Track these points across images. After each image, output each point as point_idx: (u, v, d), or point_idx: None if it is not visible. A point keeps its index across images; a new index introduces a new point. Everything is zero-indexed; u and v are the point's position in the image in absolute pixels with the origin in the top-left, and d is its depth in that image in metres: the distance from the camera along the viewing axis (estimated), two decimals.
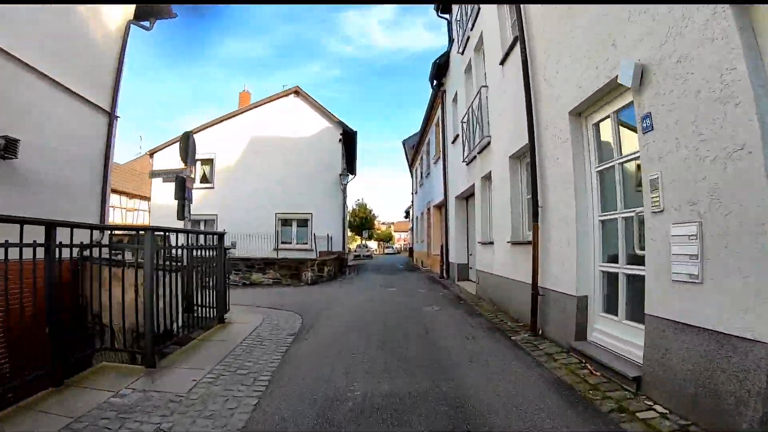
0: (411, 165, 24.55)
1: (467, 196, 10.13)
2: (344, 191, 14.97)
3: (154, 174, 8.19)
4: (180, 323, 5.35)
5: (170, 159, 17.17)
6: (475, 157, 8.30)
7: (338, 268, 13.99)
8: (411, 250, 33.52)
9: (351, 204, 41.42)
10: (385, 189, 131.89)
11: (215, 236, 5.85)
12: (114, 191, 29.78)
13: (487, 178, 7.66)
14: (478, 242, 7.80)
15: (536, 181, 4.94)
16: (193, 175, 7.50)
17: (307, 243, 15.36)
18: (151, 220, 18.07)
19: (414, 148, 22.36)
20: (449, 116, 11.55)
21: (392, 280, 11.78)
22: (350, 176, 23.77)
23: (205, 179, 17.19)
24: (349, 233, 47.24)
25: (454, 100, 11.04)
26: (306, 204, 15.47)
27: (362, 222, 40.42)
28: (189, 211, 7.51)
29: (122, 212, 28.96)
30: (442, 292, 8.69)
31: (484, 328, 5.17)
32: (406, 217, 48.06)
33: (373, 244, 60.69)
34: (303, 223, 15.69)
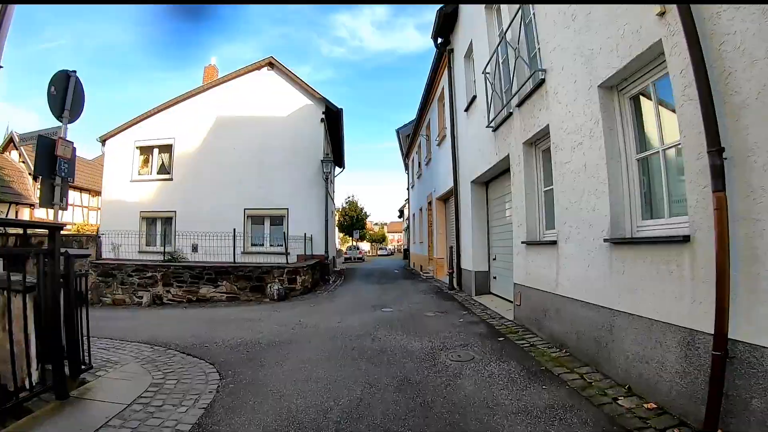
0: (406, 156, 21.80)
1: (491, 179, 7.37)
2: (327, 181, 12.16)
3: (22, 139, 5.31)
4: (35, 378, 2.88)
5: (125, 145, 14.39)
6: (510, 114, 5.57)
7: (319, 275, 11.16)
8: (406, 252, 30.68)
9: (341, 202, 38.48)
10: (379, 192, 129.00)
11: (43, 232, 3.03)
12: (74, 188, 26.61)
13: (538, 140, 4.93)
14: (522, 242, 5.04)
15: (710, 98, 2.22)
16: (64, 135, 4.63)
17: (282, 245, 12.52)
18: (102, 218, 15.12)
19: (410, 137, 19.65)
20: (460, 80, 8.81)
21: (387, 293, 8.98)
22: (338, 169, 21.06)
23: (163, 170, 14.34)
24: (340, 234, 44.22)
25: (467, 55, 8.33)
26: (281, 198, 12.64)
27: (353, 221, 37.30)
28: (64, 195, 4.68)
29: (84, 211, 25.84)
30: (461, 316, 5.91)
31: (588, 421, 2.40)
32: (400, 216, 45.24)
33: (365, 246, 57.70)
34: (277, 220, 12.84)
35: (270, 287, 8.13)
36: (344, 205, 37.82)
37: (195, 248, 12.36)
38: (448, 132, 9.69)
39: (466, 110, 8.05)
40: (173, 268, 8.62)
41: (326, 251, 11.81)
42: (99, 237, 10.38)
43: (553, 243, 4.26)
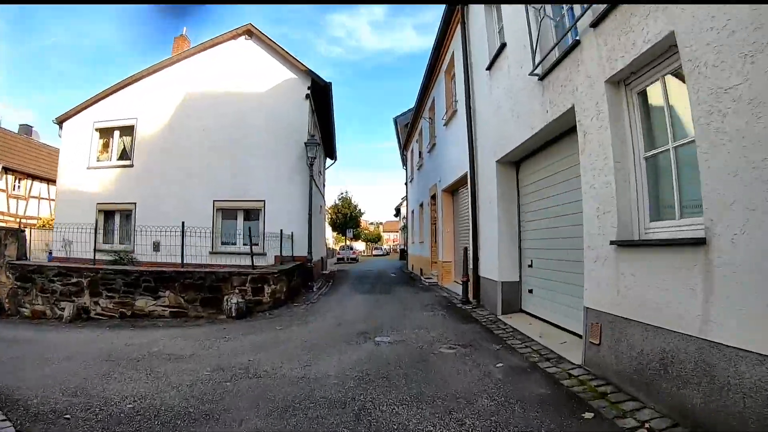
0: (404, 147, 19.83)
1: (527, 155, 5.37)
2: (311, 168, 10.14)
3: None
4: None
5: (84, 127, 12.35)
6: (575, 45, 3.60)
7: (300, 282, 9.14)
8: (403, 252, 28.64)
9: (333, 198, 36.37)
10: (375, 192, 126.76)
11: None
12: (41, 179, 24.23)
13: (634, 72, 2.95)
14: (612, 243, 3.04)
15: None
16: None
17: (258, 244, 10.50)
18: (57, 210, 13.01)
19: (408, 126, 17.70)
20: (478, 34, 6.82)
21: (381, 307, 6.95)
22: (328, 161, 19.07)
23: (124, 155, 12.27)
24: (334, 233, 42.00)
25: None
26: (257, 188, 10.62)
27: (346, 219, 35.03)
28: None
29: (51, 205, 23.53)
30: (496, 354, 3.90)
31: None
32: (396, 215, 43.23)
33: (360, 246, 55.59)
34: (253, 215, 10.82)
35: (227, 300, 6.11)
36: (337, 202, 35.63)
37: (156, 246, 10.28)
38: (461, 104, 7.72)
39: (489, 68, 6.08)
40: (102, 273, 6.57)
41: (309, 252, 9.80)
42: (22, 231, 8.30)
43: (695, 243, 2.28)
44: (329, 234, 44.27)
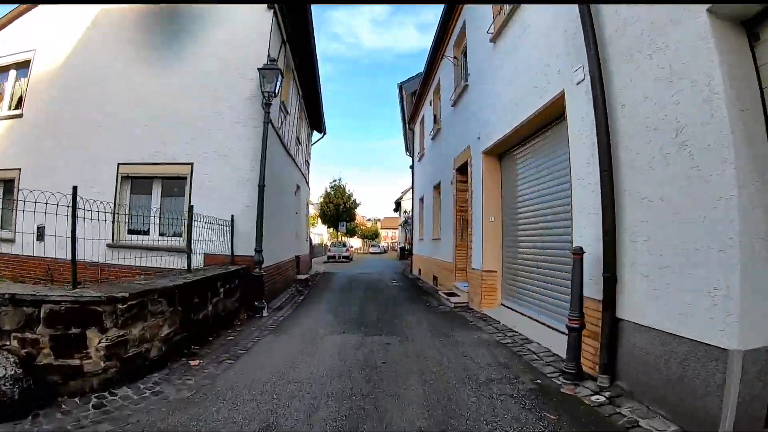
0: (410, 120, 15.93)
1: None
2: (268, 110, 6.25)
3: None
4: None
5: None
6: None
7: (238, 301, 5.29)
8: (403, 251, 24.70)
9: (324, 186, 32.30)
10: (371, 192, 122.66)
11: None
12: None
13: None
14: None
15: None
16: None
17: (182, 235, 6.62)
18: None
19: (418, 92, 13.81)
20: None
21: (380, 397, 3.08)
22: (315, 134, 15.25)
23: (18, 103, 8.40)
24: (328, 228, 38.01)
25: None
26: (182, 145, 6.70)
27: (339, 211, 30.56)
28: None
29: None
30: None
31: None
32: (396, 209, 39.25)
33: (356, 242, 51.55)
34: (176, 187, 6.90)
35: None
36: (328, 191, 31.28)
37: (41, 234, 6.41)
38: None
39: None
40: None
41: (258, 249, 5.93)
42: None
43: None
44: (323, 229, 40.14)
